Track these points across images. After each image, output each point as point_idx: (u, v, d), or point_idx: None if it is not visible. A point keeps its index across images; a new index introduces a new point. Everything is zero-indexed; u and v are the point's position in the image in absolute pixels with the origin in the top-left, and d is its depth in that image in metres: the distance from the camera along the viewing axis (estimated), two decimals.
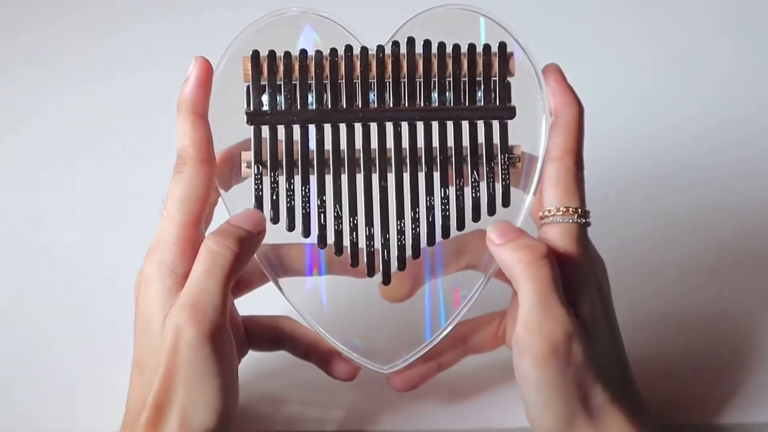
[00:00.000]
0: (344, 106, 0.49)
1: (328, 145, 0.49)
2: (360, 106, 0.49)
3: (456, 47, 0.50)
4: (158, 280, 0.47)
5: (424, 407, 0.59)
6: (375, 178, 0.49)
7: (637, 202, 0.69)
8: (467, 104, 0.50)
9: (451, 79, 0.50)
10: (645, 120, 0.73)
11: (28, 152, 0.72)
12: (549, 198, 0.49)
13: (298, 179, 0.49)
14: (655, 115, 0.73)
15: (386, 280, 0.50)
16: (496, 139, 0.50)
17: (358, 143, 0.49)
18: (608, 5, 0.79)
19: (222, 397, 0.46)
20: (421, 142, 0.49)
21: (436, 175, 0.49)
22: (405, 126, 0.49)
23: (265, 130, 0.49)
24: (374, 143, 0.49)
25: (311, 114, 0.49)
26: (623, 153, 0.71)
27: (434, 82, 0.49)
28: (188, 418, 0.46)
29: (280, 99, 0.49)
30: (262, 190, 0.49)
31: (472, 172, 0.50)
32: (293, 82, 0.49)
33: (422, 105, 0.49)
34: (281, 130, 0.49)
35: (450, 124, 0.50)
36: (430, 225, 0.49)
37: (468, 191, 0.49)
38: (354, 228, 0.49)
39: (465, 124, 0.50)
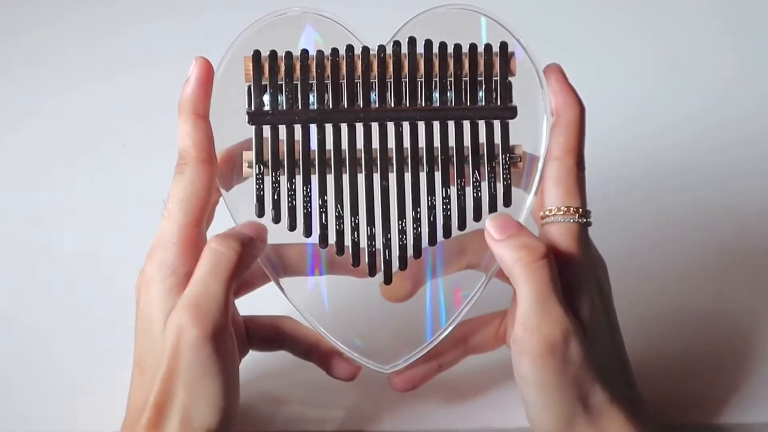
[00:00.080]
0: (345, 106, 0.49)
1: (329, 144, 0.49)
2: (361, 105, 0.49)
3: (457, 47, 0.50)
4: (159, 281, 0.47)
5: (425, 407, 0.59)
6: (376, 177, 0.49)
7: (637, 202, 0.69)
8: (468, 104, 0.50)
9: (452, 78, 0.49)
10: (645, 120, 0.73)
11: (28, 152, 0.72)
12: (550, 198, 0.49)
13: (299, 179, 0.49)
14: (655, 115, 0.73)
15: (387, 279, 0.50)
16: (498, 138, 0.50)
17: (360, 143, 0.49)
18: (608, 5, 0.79)
19: (223, 397, 0.46)
20: (422, 142, 0.49)
21: (438, 175, 0.49)
22: (406, 126, 0.49)
23: (267, 130, 0.49)
24: (376, 143, 0.49)
25: (313, 114, 0.49)
26: (623, 153, 0.71)
27: (435, 81, 0.49)
28: (189, 419, 0.46)
29: (282, 99, 0.49)
30: (263, 189, 0.49)
31: (473, 172, 0.49)
32: (294, 82, 0.49)
33: (423, 105, 0.49)
34: (282, 129, 0.49)
35: (451, 124, 0.50)
36: (432, 225, 0.49)
37: (469, 191, 0.49)
38: (355, 228, 0.49)
39: (466, 124, 0.50)
